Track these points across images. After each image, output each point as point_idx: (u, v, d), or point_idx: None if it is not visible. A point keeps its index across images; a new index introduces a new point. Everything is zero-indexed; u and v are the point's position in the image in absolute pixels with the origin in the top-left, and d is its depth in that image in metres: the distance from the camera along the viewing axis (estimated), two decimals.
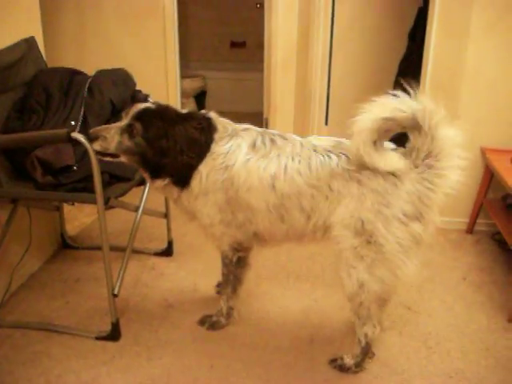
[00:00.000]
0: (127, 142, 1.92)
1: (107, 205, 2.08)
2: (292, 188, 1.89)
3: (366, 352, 2.03)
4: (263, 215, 1.98)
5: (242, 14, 6.51)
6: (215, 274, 2.44)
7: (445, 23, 2.95)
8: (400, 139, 1.86)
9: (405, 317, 2.38)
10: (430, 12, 3.02)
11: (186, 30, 6.23)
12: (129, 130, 1.91)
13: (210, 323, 2.29)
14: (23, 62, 2.40)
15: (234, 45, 6.69)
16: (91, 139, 1.93)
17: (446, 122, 1.73)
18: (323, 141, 1.95)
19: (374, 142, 1.73)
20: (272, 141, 1.96)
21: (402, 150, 1.84)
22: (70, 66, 2.60)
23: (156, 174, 1.97)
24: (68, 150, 2.18)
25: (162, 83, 4.08)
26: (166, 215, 2.82)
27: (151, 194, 2.47)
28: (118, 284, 2.18)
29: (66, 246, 2.98)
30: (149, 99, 2.60)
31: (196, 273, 2.72)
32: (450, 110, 1.74)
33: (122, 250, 2.38)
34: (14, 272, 2.49)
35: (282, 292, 2.57)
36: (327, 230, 1.93)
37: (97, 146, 1.93)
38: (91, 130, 1.96)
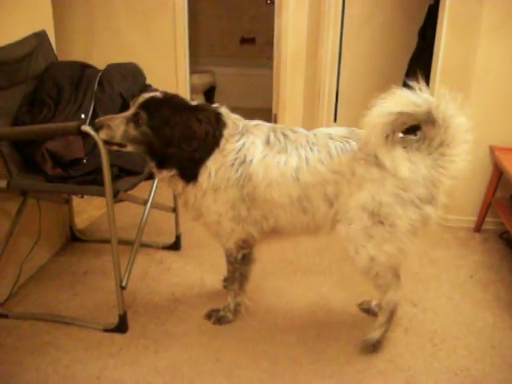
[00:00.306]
0: (133, 131, 1.93)
1: (116, 198, 2.09)
2: (316, 177, 1.92)
3: (390, 319, 2.10)
4: (285, 209, 2.00)
5: (252, 10, 6.51)
6: (222, 269, 2.45)
7: (455, 22, 2.94)
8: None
9: (411, 314, 2.38)
10: (440, 10, 3.01)
11: (195, 25, 6.24)
12: (134, 118, 1.92)
13: (216, 318, 2.30)
14: (34, 56, 2.42)
15: (243, 41, 6.70)
16: (96, 128, 1.94)
17: (459, 113, 1.79)
18: (334, 130, 1.99)
19: (387, 136, 1.77)
20: (284, 135, 1.99)
21: (413, 138, 1.88)
22: (79, 59, 2.62)
23: (162, 164, 1.98)
24: (78, 142, 2.19)
25: (172, 78, 4.10)
26: (175, 209, 2.83)
27: (160, 188, 2.49)
28: (126, 277, 2.19)
29: (74, 238, 3.00)
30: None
31: (203, 267, 2.74)
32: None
33: (130, 243, 2.40)
34: (23, 264, 2.51)
35: (289, 287, 2.57)
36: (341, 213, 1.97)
37: (103, 134, 1.94)
38: (96, 120, 1.97)
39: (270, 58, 4.24)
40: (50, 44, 2.59)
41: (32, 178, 2.20)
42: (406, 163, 1.81)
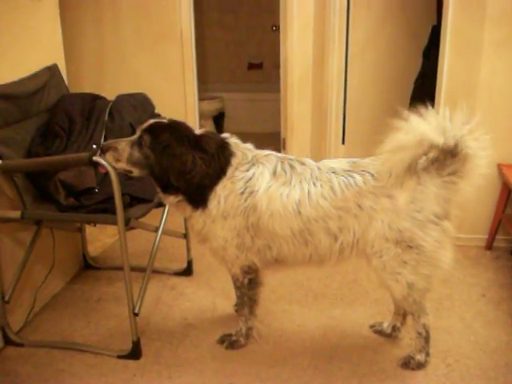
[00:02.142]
0: (137, 154, 1.98)
1: (128, 225, 2.13)
2: (318, 212, 1.95)
3: (428, 340, 2.13)
4: (287, 241, 2.03)
5: (259, 36, 6.62)
6: (234, 293, 2.46)
7: (457, 41, 2.98)
8: None
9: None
10: (442, 30, 3.05)
11: (203, 52, 6.34)
12: (138, 141, 1.98)
13: (229, 342, 2.31)
14: (46, 89, 2.49)
15: (251, 66, 6.79)
16: (103, 150, 2.00)
17: (482, 151, 1.84)
18: (337, 163, 2.03)
19: (409, 167, 1.83)
20: (291, 167, 2.02)
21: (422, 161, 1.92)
22: (90, 91, 2.69)
23: (167, 189, 2.02)
24: (90, 172, 2.24)
25: (181, 106, 4.16)
26: (186, 235, 2.86)
27: (171, 214, 2.52)
28: (139, 303, 2.22)
29: (87, 266, 3.04)
30: None
31: (215, 292, 2.75)
32: None
33: (143, 270, 2.43)
34: (37, 292, 2.55)
35: (301, 310, 2.58)
36: (357, 247, 2.00)
37: (109, 157, 1.99)
38: (104, 143, 2.04)
39: (277, 82, 4.30)
40: (62, 77, 2.66)
41: (45, 207, 2.25)
42: (407, 194, 1.88)
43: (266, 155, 2.07)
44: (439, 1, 3.80)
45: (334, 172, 1.98)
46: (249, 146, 2.11)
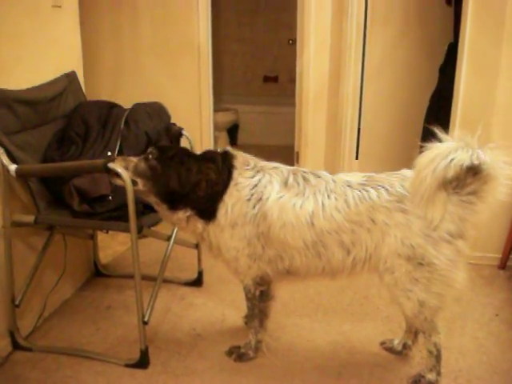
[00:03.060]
0: (143, 165, 2.02)
1: (140, 234, 2.13)
2: (332, 224, 1.94)
3: (440, 359, 2.09)
4: (299, 252, 2.02)
5: (275, 50, 6.65)
6: (243, 305, 2.45)
7: (475, 59, 2.97)
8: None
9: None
10: (459, 48, 3.05)
11: (219, 64, 6.38)
12: (145, 156, 2.04)
13: (237, 355, 2.29)
14: (64, 95, 2.51)
15: (266, 79, 6.82)
16: (113, 159, 2.03)
17: (504, 171, 1.82)
18: (353, 176, 2.02)
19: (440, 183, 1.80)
20: (305, 179, 2.02)
21: None
22: (106, 98, 2.71)
23: (173, 203, 2.02)
24: (104, 179, 2.25)
25: (196, 117, 4.17)
26: (197, 246, 2.86)
27: None
28: (149, 312, 2.22)
29: (98, 273, 3.04)
30: (183, 132, 2.68)
31: (225, 303, 2.74)
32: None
33: (153, 278, 2.42)
34: (47, 297, 2.55)
35: (311, 325, 2.56)
36: (370, 262, 1.99)
37: (120, 162, 2.03)
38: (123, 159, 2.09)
39: (293, 96, 4.30)
40: (80, 84, 2.69)
41: (59, 213, 2.26)
42: (441, 209, 1.84)
43: (275, 167, 2.08)
44: (456, 18, 3.80)
45: (348, 185, 1.97)
46: (251, 156, 2.12)
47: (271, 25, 6.58)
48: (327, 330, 2.52)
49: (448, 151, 1.77)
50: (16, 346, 2.34)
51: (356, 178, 2.01)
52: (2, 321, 2.30)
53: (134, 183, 2.02)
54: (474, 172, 1.81)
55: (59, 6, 2.53)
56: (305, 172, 2.06)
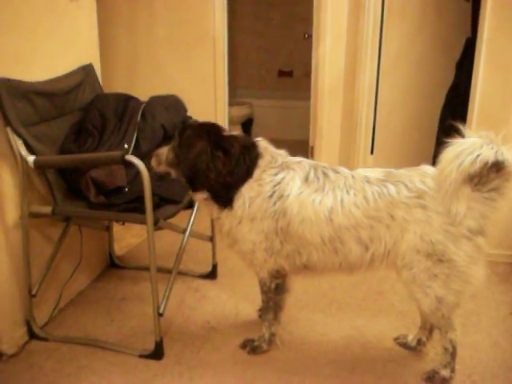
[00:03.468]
0: (171, 155, 2.10)
1: (156, 226, 2.14)
2: (350, 220, 1.95)
3: (455, 356, 2.09)
4: (317, 248, 2.03)
5: (290, 44, 6.62)
6: (257, 299, 2.46)
7: (493, 55, 2.94)
8: None
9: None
10: (477, 43, 3.02)
11: (234, 58, 6.37)
12: (173, 144, 2.11)
13: (251, 347, 2.30)
14: (82, 88, 2.53)
15: (281, 73, 6.80)
16: (150, 157, 2.13)
17: None
18: (372, 172, 2.02)
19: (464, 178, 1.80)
20: (325, 174, 2.02)
21: None
22: (122, 91, 2.72)
23: (192, 185, 2.08)
24: (121, 171, 2.26)
25: (211, 110, 4.17)
26: (212, 238, 2.86)
27: (198, 217, 2.54)
28: (164, 304, 2.23)
29: (113, 265, 3.06)
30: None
31: (239, 296, 2.75)
32: None
33: (167, 271, 2.43)
34: (63, 288, 2.57)
35: (324, 319, 2.56)
36: (388, 258, 1.99)
37: (153, 161, 2.15)
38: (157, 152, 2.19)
39: (308, 90, 4.29)
40: (97, 77, 2.70)
41: (76, 204, 2.27)
42: (464, 202, 1.85)
43: (299, 162, 2.07)
44: (474, 13, 3.76)
45: (367, 181, 1.96)
46: (281, 151, 2.11)
47: (287, 19, 6.54)
48: (341, 325, 2.52)
49: (473, 147, 1.76)
50: (32, 335, 2.37)
51: (375, 173, 2.00)
52: (18, 310, 2.33)
53: (169, 173, 2.14)
54: (497, 169, 1.80)
55: (77, 0, 2.53)
56: (325, 167, 2.05)
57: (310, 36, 4.21)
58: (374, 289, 2.82)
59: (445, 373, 2.09)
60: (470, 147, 1.77)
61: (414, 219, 1.89)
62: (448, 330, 2.05)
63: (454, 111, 4.04)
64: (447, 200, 1.83)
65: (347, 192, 1.96)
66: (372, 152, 4.04)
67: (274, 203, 1.99)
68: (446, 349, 2.08)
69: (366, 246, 1.98)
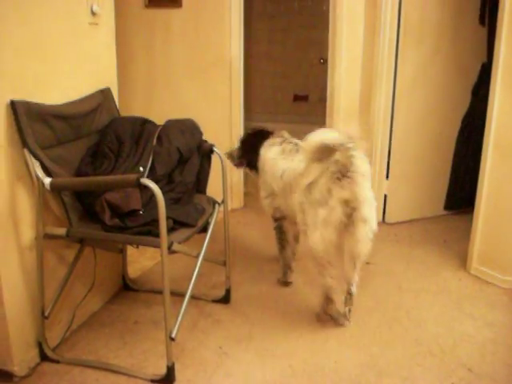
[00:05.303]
0: (239, 152, 3.25)
1: (170, 249, 2.14)
2: (289, 179, 2.76)
3: (328, 300, 2.69)
4: (278, 194, 2.90)
5: (306, 69, 6.67)
6: (271, 324, 2.45)
7: (509, 80, 2.92)
8: None
9: (466, 379, 2.28)
10: (493, 69, 3.01)
11: (250, 82, 6.42)
12: (239, 145, 3.28)
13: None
14: (99, 111, 2.56)
15: (296, 98, 6.83)
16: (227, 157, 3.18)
17: None
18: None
19: None
20: (296, 150, 2.85)
21: None
22: (139, 114, 2.74)
23: (251, 166, 3.18)
24: (135, 194, 2.27)
25: (226, 134, 4.21)
26: (225, 263, 2.85)
27: (212, 241, 2.53)
28: (176, 328, 2.21)
29: (126, 287, 3.05)
30: (214, 149, 2.70)
31: (252, 321, 2.72)
32: None
33: (180, 294, 2.41)
34: (76, 310, 2.57)
35: (338, 347, 2.52)
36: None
37: (228, 157, 3.20)
38: (229, 151, 3.25)
39: (323, 115, 4.30)
40: (114, 100, 2.73)
41: (90, 227, 2.28)
42: None
43: (289, 141, 3.04)
44: (490, 38, 3.76)
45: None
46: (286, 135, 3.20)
47: (302, 43, 6.61)
48: (355, 352, 2.48)
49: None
50: (44, 357, 2.36)
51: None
52: (30, 332, 2.33)
53: (242, 163, 3.27)
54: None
55: (96, 24, 2.58)
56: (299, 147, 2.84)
57: (326, 61, 4.24)
58: (389, 315, 2.78)
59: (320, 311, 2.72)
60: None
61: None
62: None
63: (470, 136, 4.02)
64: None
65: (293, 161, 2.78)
66: (387, 177, 4.02)
67: (263, 164, 2.99)
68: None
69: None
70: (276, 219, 3.06)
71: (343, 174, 2.36)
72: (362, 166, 2.41)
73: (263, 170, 2.99)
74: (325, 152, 2.43)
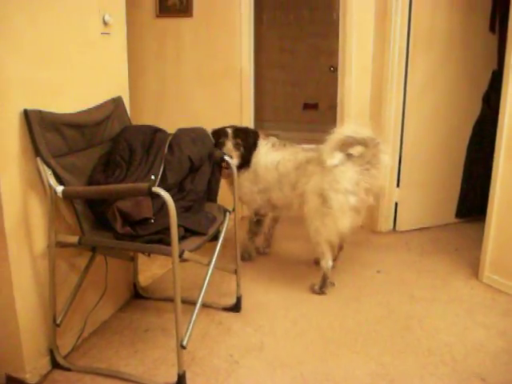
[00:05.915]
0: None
1: (181, 257, 2.14)
2: (286, 169, 3.16)
3: (324, 279, 3.10)
4: (273, 186, 3.23)
5: (316, 77, 6.68)
6: (282, 332, 2.43)
7: None
8: None
9: None
10: (504, 76, 3.00)
11: (260, 90, 6.44)
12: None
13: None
14: (111, 119, 2.57)
15: (306, 106, 6.84)
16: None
17: None
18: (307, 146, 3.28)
19: None
20: (284, 145, 3.31)
21: None
22: (150, 122, 2.75)
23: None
24: (147, 203, 2.28)
25: None
26: (236, 271, 2.85)
27: (223, 249, 2.53)
28: (187, 336, 2.21)
29: (137, 295, 3.06)
30: (225, 157, 2.71)
31: (263, 330, 2.72)
32: None
33: (191, 302, 2.41)
34: (87, 318, 2.58)
35: (350, 356, 2.51)
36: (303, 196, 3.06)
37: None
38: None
39: (333, 123, 4.30)
40: (125, 109, 2.75)
41: (102, 235, 2.29)
42: None
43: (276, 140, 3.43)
44: (501, 45, 3.75)
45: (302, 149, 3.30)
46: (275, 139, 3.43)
47: (312, 52, 6.62)
48: (366, 361, 2.46)
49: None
50: (55, 364, 2.37)
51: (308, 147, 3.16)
52: (42, 339, 2.34)
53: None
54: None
55: (108, 33, 2.60)
56: (286, 143, 3.32)
57: (336, 69, 4.25)
58: (401, 324, 2.76)
59: (316, 287, 3.08)
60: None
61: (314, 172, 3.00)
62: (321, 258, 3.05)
63: (481, 144, 4.01)
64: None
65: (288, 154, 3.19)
66: (398, 185, 4.01)
67: (258, 159, 3.29)
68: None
69: (293, 187, 3.12)
70: (258, 215, 3.42)
71: (372, 165, 2.83)
72: (387, 160, 2.92)
73: (257, 164, 3.26)
74: (349, 144, 2.86)
